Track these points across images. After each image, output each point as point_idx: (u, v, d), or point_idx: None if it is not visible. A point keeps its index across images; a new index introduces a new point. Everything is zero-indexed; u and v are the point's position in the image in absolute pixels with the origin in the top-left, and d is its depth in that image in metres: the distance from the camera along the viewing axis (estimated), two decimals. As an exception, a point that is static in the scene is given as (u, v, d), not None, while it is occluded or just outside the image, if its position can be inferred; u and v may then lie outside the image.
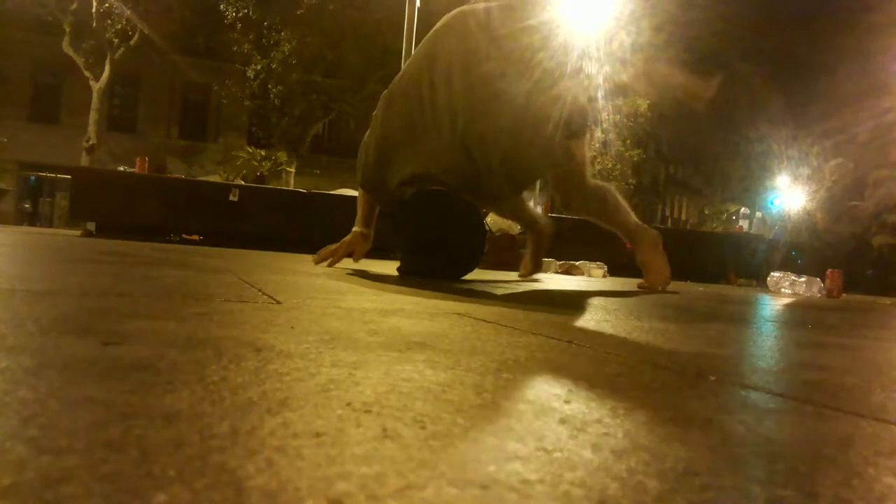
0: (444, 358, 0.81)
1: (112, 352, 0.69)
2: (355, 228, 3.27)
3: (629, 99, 21.39)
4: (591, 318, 1.56)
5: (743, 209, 37.53)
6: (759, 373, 0.94)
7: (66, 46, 19.04)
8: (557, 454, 0.46)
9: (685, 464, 0.46)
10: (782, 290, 5.03)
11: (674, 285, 3.97)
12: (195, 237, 6.75)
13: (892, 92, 13.14)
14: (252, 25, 17.74)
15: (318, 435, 0.45)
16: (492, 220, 5.25)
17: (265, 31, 17.74)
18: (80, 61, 19.14)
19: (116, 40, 19.11)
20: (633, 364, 0.90)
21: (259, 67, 18.14)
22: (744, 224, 32.98)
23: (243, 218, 6.87)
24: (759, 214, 35.37)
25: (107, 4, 18.32)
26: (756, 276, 7.84)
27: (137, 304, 1.14)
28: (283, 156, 19.32)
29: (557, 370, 0.80)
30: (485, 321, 1.29)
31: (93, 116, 19.27)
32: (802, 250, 7.28)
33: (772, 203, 30.20)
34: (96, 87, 19.24)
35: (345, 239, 3.24)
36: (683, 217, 40.25)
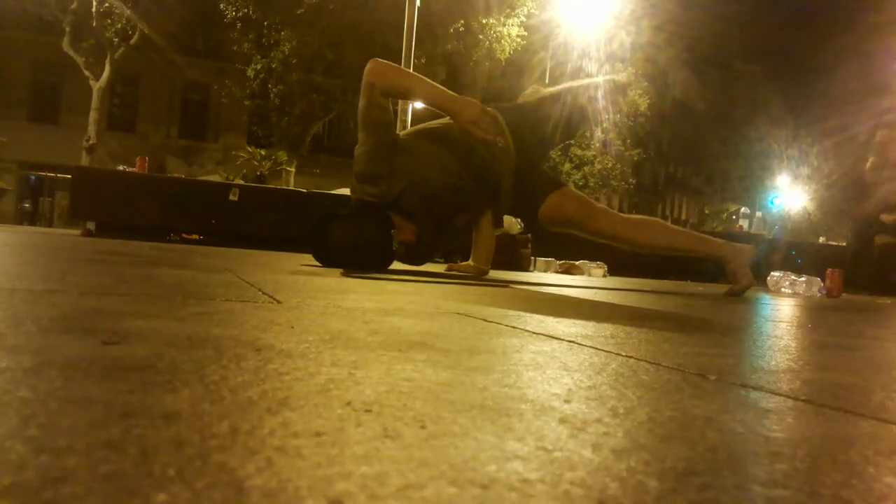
0: (444, 358, 0.81)
1: (112, 351, 0.69)
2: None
3: (629, 98, 21.40)
4: (592, 319, 1.56)
5: (743, 209, 37.47)
6: (759, 373, 0.93)
7: (66, 46, 19.04)
8: (557, 454, 0.45)
9: (685, 464, 0.46)
10: (782, 289, 5.03)
11: (674, 285, 3.96)
12: (195, 237, 6.75)
13: (893, 92, 13.14)
14: (252, 25, 17.71)
15: (318, 434, 0.45)
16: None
17: (265, 31, 17.70)
18: (80, 61, 19.14)
19: (116, 40, 19.11)
20: (633, 364, 0.90)
21: (259, 67, 18.12)
22: (744, 224, 32.94)
23: (243, 218, 6.87)
24: (759, 214, 35.33)
25: (107, 4, 18.32)
26: (756, 276, 7.83)
27: (137, 303, 1.14)
28: (283, 155, 19.31)
29: (557, 370, 0.80)
30: (485, 321, 1.29)
31: (93, 116, 19.28)
32: (802, 250, 7.28)
33: (772, 203, 30.19)
34: (96, 86, 19.24)
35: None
36: (683, 217, 40.18)
